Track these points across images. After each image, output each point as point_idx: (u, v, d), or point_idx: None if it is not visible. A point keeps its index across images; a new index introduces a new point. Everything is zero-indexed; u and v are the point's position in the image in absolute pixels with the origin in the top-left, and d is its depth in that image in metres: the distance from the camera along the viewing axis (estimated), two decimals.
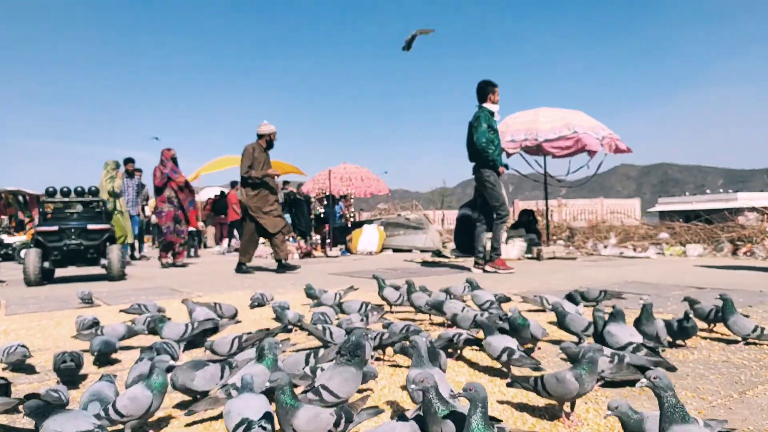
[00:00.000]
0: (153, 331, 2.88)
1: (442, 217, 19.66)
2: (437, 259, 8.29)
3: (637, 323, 2.15)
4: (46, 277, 6.14)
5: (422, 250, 10.75)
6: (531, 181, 9.98)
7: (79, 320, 2.75)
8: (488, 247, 7.91)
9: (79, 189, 6.54)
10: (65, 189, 6.44)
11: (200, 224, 13.26)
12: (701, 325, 2.58)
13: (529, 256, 8.01)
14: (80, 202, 6.45)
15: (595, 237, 10.13)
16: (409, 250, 10.90)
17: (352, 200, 14.11)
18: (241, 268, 6.80)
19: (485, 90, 5.99)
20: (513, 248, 8.01)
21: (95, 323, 2.74)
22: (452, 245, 10.31)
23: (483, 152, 5.84)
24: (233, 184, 15.69)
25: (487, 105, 5.96)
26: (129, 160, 9.70)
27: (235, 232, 14.80)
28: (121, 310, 3.15)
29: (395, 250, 10.96)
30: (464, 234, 9.02)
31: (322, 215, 13.13)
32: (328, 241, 11.52)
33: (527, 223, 8.92)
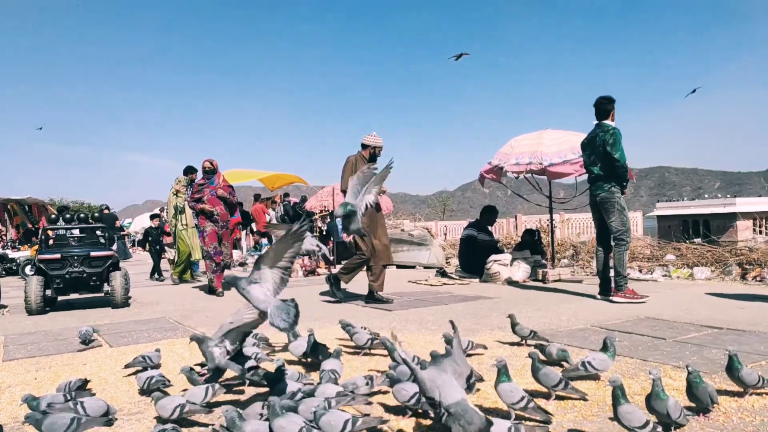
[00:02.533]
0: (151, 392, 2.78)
1: (445, 230, 19.59)
2: (443, 281, 8.20)
3: (648, 399, 2.09)
4: (48, 304, 6.06)
5: (426, 266, 10.75)
6: (534, 205, 9.93)
7: (62, 385, 2.60)
8: (518, 272, 7.84)
9: (82, 215, 6.47)
10: (67, 216, 6.38)
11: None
12: (735, 387, 2.51)
13: (535, 278, 7.93)
14: (82, 229, 6.38)
15: None
16: (413, 267, 10.93)
17: None
18: (373, 297, 5.97)
19: (607, 107, 5.68)
20: (518, 270, 7.92)
21: (79, 387, 2.59)
22: (455, 261, 10.24)
23: (624, 173, 5.57)
24: (256, 197, 15.57)
25: (608, 122, 5.66)
26: (191, 169, 8.72)
27: (243, 243, 14.73)
28: (126, 365, 3.06)
29: (399, 266, 10.90)
30: (468, 254, 8.95)
31: (324, 232, 13.05)
32: (332, 257, 11.44)
33: (532, 243, 8.80)
